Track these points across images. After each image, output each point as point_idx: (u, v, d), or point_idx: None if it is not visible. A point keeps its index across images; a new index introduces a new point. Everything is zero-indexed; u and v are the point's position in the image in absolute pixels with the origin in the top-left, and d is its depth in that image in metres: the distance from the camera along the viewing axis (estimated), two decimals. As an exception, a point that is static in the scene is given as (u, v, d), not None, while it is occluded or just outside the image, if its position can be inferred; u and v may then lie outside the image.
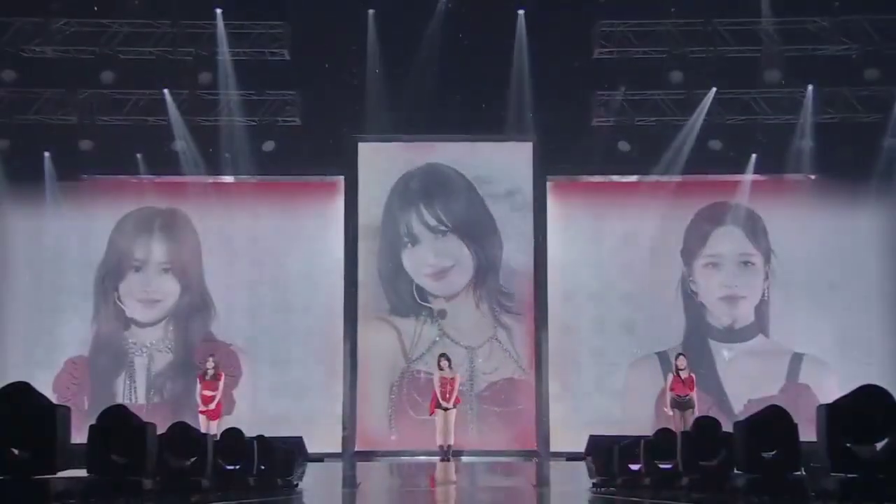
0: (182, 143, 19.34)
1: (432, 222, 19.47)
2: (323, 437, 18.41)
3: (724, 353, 19.51)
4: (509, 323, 19.41)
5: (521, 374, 19.27)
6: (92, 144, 19.31)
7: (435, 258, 19.43)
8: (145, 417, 9.45)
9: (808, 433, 8.75)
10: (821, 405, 8.04)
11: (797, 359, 19.35)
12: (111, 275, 19.55)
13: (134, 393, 19.35)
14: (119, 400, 18.59)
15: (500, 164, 19.69)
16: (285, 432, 15.52)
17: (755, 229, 19.61)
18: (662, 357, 19.18)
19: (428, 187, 19.58)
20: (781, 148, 19.21)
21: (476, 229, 19.49)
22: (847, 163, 19.11)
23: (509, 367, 19.31)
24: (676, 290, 19.59)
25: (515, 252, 19.52)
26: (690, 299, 19.61)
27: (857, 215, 19.43)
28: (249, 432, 11.83)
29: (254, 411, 18.92)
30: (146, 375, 19.45)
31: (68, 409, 7.93)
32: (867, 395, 7.79)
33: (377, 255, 19.44)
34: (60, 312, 19.45)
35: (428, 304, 19.36)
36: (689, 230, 19.69)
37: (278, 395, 19.29)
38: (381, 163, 19.78)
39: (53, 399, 17.25)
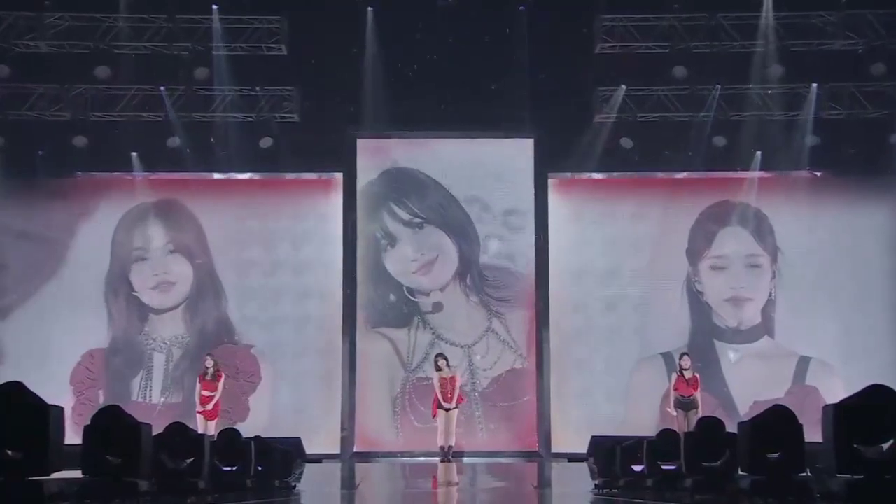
0: (178, 139, 19.15)
1: (406, 217, 19.31)
2: (321, 438, 18.23)
3: (730, 355, 19.30)
4: (503, 311, 19.19)
5: (522, 364, 19.07)
6: (86, 141, 19.12)
7: (418, 252, 19.21)
8: (159, 416, 9.37)
9: (813, 435, 8.71)
10: (827, 405, 8.07)
11: (804, 361, 19.15)
12: (120, 274, 19.35)
13: (150, 390, 19.14)
14: (134, 396, 18.69)
15: (500, 161, 19.53)
16: (283, 433, 15.36)
17: (761, 228, 19.44)
18: (667, 358, 18.96)
19: (394, 188, 19.42)
20: (787, 144, 19.07)
21: (451, 221, 19.33)
22: (853, 159, 18.99)
23: (509, 358, 19.08)
24: (682, 290, 19.38)
25: (516, 249, 19.37)
26: (696, 299, 19.39)
27: (863, 213, 19.29)
28: (252, 432, 11.70)
29: (256, 411, 18.81)
30: (164, 373, 19.23)
31: (61, 409, 7.88)
32: (875, 395, 7.76)
33: (361, 264, 19.29)
34: (65, 309, 19.16)
35: (417, 300, 19.14)
36: (694, 229, 19.50)
37: (276, 393, 19.05)
38: (380, 158, 19.60)
39: (70, 393, 18.01)
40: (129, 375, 19.18)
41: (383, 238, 19.31)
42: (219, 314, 19.36)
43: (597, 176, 19.80)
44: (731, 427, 10.24)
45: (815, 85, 18.73)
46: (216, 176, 19.69)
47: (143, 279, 19.38)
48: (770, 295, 19.34)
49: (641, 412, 18.69)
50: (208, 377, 17.30)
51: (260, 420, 18.28)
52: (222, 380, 17.42)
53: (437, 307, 19.19)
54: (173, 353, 19.26)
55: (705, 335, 19.32)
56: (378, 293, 19.21)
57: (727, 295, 19.35)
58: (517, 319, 19.23)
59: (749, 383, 18.95)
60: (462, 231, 19.33)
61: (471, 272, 19.25)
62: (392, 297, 19.19)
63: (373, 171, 19.53)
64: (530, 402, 18.99)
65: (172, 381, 19.16)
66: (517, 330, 19.20)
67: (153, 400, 18.94)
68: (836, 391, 17.93)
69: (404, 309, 19.19)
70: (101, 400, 18.51)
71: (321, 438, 18.26)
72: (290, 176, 19.80)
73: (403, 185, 19.46)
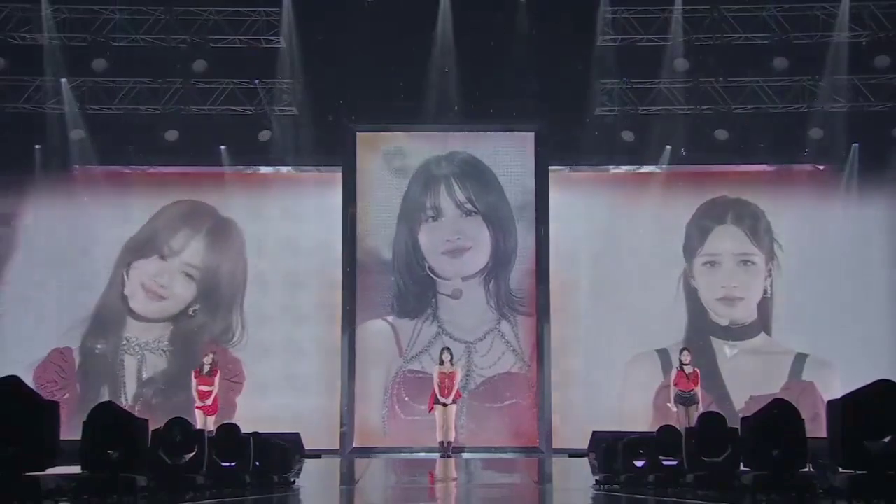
0: (175, 132, 19.08)
1: (461, 199, 19.17)
2: (321, 434, 18.11)
3: (726, 350, 19.19)
4: (515, 318, 19.08)
5: (521, 369, 18.95)
6: (84, 134, 19.02)
7: (454, 235, 19.09)
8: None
9: (811, 430, 8.90)
10: (832, 400, 8.00)
11: (801, 359, 19.03)
12: (132, 253, 19.26)
13: (123, 390, 19.01)
14: (106, 397, 18.37)
15: (501, 154, 19.42)
16: (282, 428, 15.28)
17: (760, 223, 19.31)
18: (663, 354, 18.89)
19: (459, 170, 19.32)
20: (789, 138, 18.98)
21: (499, 221, 19.20)
22: (856, 153, 18.89)
23: (509, 360, 18.96)
24: (678, 286, 19.26)
25: (518, 243, 19.25)
26: (692, 295, 19.28)
27: (865, 207, 19.16)
28: (246, 428, 11.62)
29: (250, 407, 18.63)
30: (136, 375, 19.11)
31: (57, 404, 7.83)
32: (881, 390, 7.76)
33: (393, 236, 19.17)
34: (51, 303, 19.08)
35: (437, 281, 19.02)
36: (691, 225, 19.39)
37: (276, 390, 18.95)
38: (381, 151, 19.51)
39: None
40: (99, 378, 19.05)
41: (430, 209, 19.19)
42: (209, 310, 19.24)
43: (598, 169, 19.66)
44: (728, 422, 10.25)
45: (817, 77, 18.63)
46: (213, 169, 19.53)
47: (143, 274, 19.24)
48: (766, 292, 19.22)
49: (637, 408, 18.63)
50: (204, 373, 17.24)
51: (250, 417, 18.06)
52: (218, 375, 17.42)
53: (457, 294, 19.04)
54: (147, 358, 19.12)
55: (701, 331, 19.20)
56: (400, 273, 19.08)
57: (719, 294, 19.24)
58: (526, 325, 19.07)
59: (745, 379, 18.87)
60: (504, 235, 19.17)
61: (497, 278, 19.08)
62: (417, 271, 19.06)
63: (435, 149, 19.45)
64: (517, 407, 18.83)
65: (145, 383, 19.05)
66: (525, 335, 19.06)
67: (128, 401, 18.80)
68: (832, 387, 17.87)
69: (421, 294, 19.02)
70: (66, 398, 18.35)
71: (319, 434, 18.13)
72: (289, 169, 19.67)
73: (467, 170, 19.31)
